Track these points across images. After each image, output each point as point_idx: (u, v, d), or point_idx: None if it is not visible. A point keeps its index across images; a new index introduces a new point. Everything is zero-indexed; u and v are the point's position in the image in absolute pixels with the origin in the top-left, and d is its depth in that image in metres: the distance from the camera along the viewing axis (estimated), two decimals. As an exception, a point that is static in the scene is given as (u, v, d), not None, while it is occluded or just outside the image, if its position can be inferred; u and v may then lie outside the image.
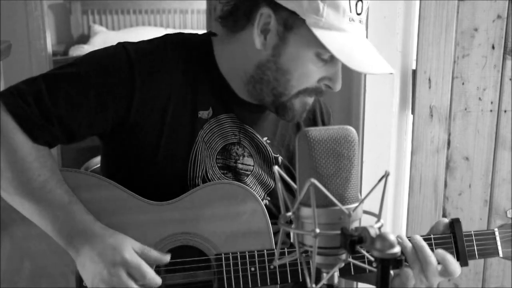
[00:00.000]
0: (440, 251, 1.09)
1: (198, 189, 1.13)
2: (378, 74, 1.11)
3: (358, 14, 1.06)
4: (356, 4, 1.05)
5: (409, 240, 1.11)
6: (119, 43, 1.15)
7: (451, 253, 1.12)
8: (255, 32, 1.09)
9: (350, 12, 1.05)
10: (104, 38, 4.91)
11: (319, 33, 1.04)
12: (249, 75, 1.14)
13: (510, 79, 1.78)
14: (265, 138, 1.23)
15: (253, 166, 1.21)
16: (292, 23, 1.06)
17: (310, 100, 1.15)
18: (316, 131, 0.66)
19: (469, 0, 1.74)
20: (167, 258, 1.07)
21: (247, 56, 1.13)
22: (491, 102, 1.80)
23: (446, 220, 1.17)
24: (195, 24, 5.65)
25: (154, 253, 1.06)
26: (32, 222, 1.07)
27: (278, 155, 1.24)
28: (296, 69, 1.09)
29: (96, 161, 1.44)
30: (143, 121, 1.12)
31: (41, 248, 1.10)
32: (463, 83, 1.79)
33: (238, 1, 1.12)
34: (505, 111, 1.81)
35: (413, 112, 1.84)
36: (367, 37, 1.14)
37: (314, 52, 1.07)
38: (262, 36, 1.09)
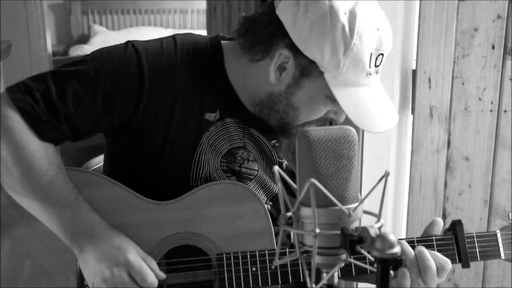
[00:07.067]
0: (419, 247, 1.07)
1: (201, 189, 1.13)
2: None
3: (376, 66, 1.06)
4: (377, 58, 1.05)
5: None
6: (128, 42, 1.14)
7: (453, 254, 1.12)
8: (271, 68, 1.09)
9: (369, 67, 1.05)
10: (104, 38, 4.91)
11: (335, 90, 1.05)
12: (258, 99, 1.14)
13: (510, 79, 1.78)
14: (274, 141, 1.23)
15: (257, 171, 1.21)
16: (309, 71, 1.06)
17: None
18: (316, 131, 0.66)
19: (469, 0, 1.74)
20: (163, 276, 1.07)
21: (260, 82, 1.12)
22: (491, 102, 1.80)
23: (441, 222, 1.15)
24: (195, 24, 5.65)
25: (154, 265, 1.06)
26: (32, 222, 1.07)
27: (283, 160, 1.24)
28: (306, 108, 1.11)
29: (96, 161, 1.44)
30: (149, 120, 1.12)
31: (41, 248, 1.10)
32: (463, 83, 1.79)
33: (258, 29, 1.10)
34: (505, 111, 1.80)
35: (413, 112, 1.84)
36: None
37: (325, 95, 1.08)
38: (277, 72, 1.09)
